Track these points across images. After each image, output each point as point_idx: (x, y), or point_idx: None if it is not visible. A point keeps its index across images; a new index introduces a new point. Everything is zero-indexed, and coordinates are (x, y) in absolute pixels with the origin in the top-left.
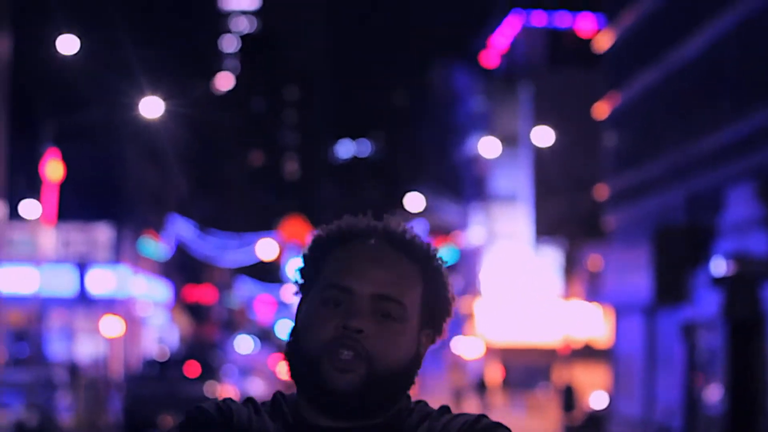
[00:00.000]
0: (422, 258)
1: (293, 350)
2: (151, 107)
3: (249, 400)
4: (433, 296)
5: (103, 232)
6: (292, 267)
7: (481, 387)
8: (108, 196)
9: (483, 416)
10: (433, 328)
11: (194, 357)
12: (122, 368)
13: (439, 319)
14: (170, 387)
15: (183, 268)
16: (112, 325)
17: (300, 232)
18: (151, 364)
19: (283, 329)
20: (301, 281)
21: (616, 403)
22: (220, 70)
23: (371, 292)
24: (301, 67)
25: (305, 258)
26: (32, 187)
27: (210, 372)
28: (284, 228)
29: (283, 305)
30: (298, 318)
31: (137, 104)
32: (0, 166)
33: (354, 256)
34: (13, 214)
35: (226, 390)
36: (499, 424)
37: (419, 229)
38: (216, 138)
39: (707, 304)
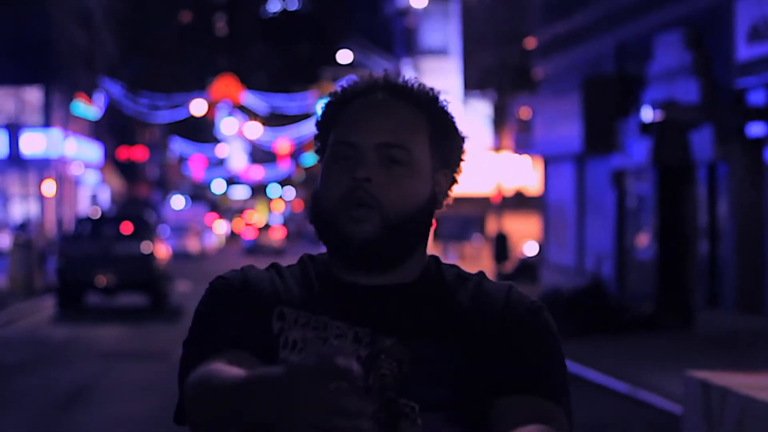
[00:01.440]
0: (425, 102)
1: (315, 211)
2: None
3: (272, 266)
4: (442, 136)
5: (33, 95)
6: (225, 125)
7: None
8: (37, 59)
9: (525, 295)
10: (449, 167)
11: (127, 216)
12: (55, 229)
13: (455, 157)
14: (105, 246)
15: (115, 130)
16: (45, 187)
17: (231, 91)
18: (83, 222)
19: (218, 186)
20: (318, 148)
21: (547, 250)
22: None
23: (374, 141)
24: None
25: (318, 124)
26: None
27: (145, 230)
28: (215, 87)
29: (215, 164)
30: (316, 182)
31: None
32: None
33: (356, 111)
34: None
35: (161, 248)
36: (541, 305)
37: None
38: None
39: (637, 151)
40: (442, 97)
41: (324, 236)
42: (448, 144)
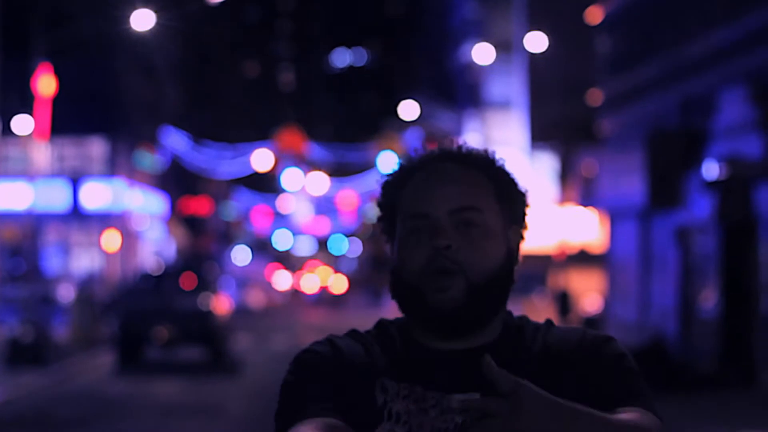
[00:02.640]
0: (484, 163)
1: (397, 285)
2: (143, 20)
3: (352, 333)
4: (506, 193)
5: (97, 146)
6: (288, 176)
7: None
8: (101, 110)
9: (592, 330)
10: (516, 222)
11: (190, 269)
12: (118, 282)
13: (520, 212)
14: (165, 300)
15: (179, 181)
16: (109, 239)
17: (295, 141)
18: (146, 277)
19: (281, 240)
20: (384, 228)
21: (611, 307)
22: None
23: (447, 208)
24: None
25: (381, 206)
26: (25, 102)
27: (205, 284)
28: (280, 138)
29: (279, 215)
30: (393, 256)
31: (129, 17)
32: None
33: (422, 183)
34: (6, 131)
35: (221, 302)
36: (609, 337)
37: (414, 136)
38: (210, 49)
39: (701, 207)
40: (498, 156)
41: (409, 308)
42: (512, 200)
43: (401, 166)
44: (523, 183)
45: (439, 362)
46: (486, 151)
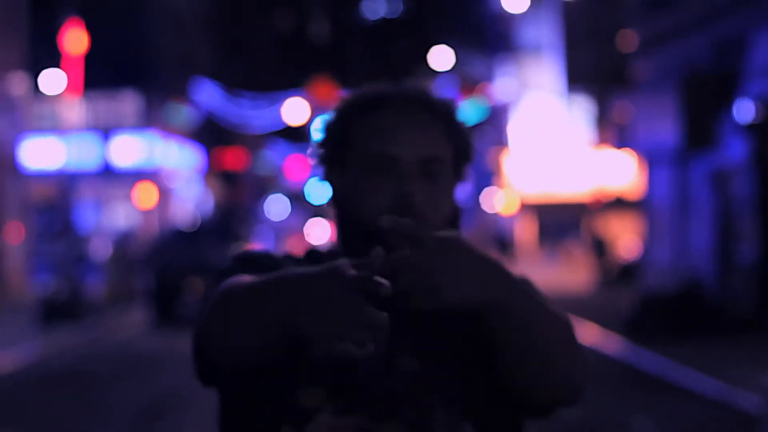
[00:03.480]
0: (446, 114)
1: (351, 223)
2: None
3: (288, 256)
4: (462, 149)
5: (129, 100)
6: (315, 128)
7: (501, 245)
8: (133, 64)
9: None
10: (459, 177)
11: (225, 221)
12: (154, 238)
13: (464, 167)
14: (201, 253)
15: (213, 133)
16: (145, 194)
17: (329, 92)
18: (179, 233)
19: (313, 189)
20: (324, 151)
21: (649, 252)
22: None
23: (418, 156)
24: None
25: (330, 128)
26: (55, 58)
27: (239, 236)
28: (313, 89)
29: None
30: (340, 190)
31: None
32: (21, 38)
33: (389, 122)
34: (37, 88)
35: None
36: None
37: (448, 83)
38: (241, 1)
39: (737, 150)
40: (455, 106)
41: (361, 250)
42: (465, 157)
43: (363, 95)
44: (473, 135)
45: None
46: (449, 101)
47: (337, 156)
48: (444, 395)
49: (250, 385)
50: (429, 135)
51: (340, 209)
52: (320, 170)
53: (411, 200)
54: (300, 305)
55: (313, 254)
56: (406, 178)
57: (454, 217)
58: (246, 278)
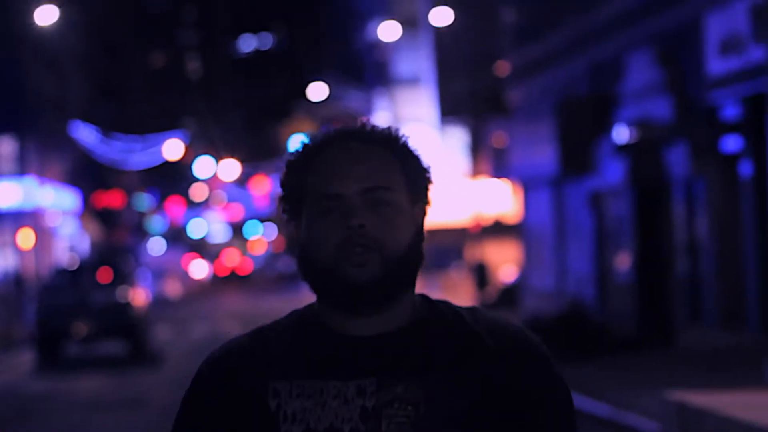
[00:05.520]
0: (390, 141)
1: (307, 266)
2: (46, 15)
3: (257, 332)
4: (412, 170)
5: (6, 145)
6: (200, 165)
7: None
8: (8, 108)
9: (518, 326)
10: (421, 199)
11: (106, 263)
12: (34, 280)
13: (425, 189)
14: (82, 294)
15: (91, 176)
16: (23, 238)
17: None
18: (61, 273)
19: (196, 229)
20: (287, 206)
21: (528, 276)
22: None
23: (358, 188)
24: None
25: (285, 185)
26: None
27: (122, 277)
28: (189, 127)
29: (192, 204)
30: (302, 237)
31: (32, 12)
32: None
33: (330, 162)
34: None
35: (139, 294)
36: (538, 340)
37: (323, 119)
38: (114, 41)
39: (613, 172)
40: (401, 133)
41: (322, 286)
42: (418, 177)
43: (305, 146)
44: (426, 159)
45: (349, 349)
46: (390, 128)
47: (295, 210)
48: None
49: None
50: (372, 165)
51: (302, 258)
52: (289, 224)
53: (360, 231)
54: None
55: (292, 315)
56: (353, 211)
57: (416, 242)
58: None
